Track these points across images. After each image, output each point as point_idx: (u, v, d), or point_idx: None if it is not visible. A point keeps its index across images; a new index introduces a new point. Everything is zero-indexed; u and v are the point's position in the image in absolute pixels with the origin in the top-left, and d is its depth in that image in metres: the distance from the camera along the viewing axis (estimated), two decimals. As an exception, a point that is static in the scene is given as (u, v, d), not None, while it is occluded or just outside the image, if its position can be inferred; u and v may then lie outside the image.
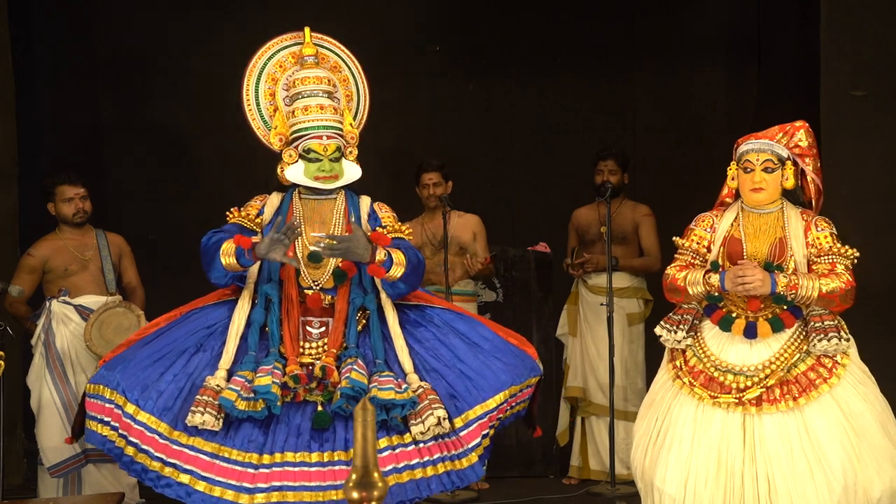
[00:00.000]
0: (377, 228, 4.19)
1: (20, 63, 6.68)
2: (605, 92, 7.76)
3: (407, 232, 4.26)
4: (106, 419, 3.94)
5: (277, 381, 3.89)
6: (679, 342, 4.16)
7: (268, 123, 4.31)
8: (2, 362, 3.93)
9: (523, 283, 6.61)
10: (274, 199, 4.25)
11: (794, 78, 7.13)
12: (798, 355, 4.03)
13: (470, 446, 3.95)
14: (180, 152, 7.69)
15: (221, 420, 3.84)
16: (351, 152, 4.23)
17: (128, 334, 5.13)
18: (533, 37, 7.80)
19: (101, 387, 3.97)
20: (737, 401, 3.98)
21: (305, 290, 4.12)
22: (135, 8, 7.61)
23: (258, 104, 4.34)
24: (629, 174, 6.36)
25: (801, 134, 4.16)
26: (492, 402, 4.02)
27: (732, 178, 4.21)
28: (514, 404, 4.11)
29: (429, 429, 3.87)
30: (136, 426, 3.88)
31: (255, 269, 4.17)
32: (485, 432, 4.00)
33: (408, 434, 3.92)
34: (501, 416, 4.06)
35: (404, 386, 3.94)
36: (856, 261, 4.08)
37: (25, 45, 7.06)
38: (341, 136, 4.20)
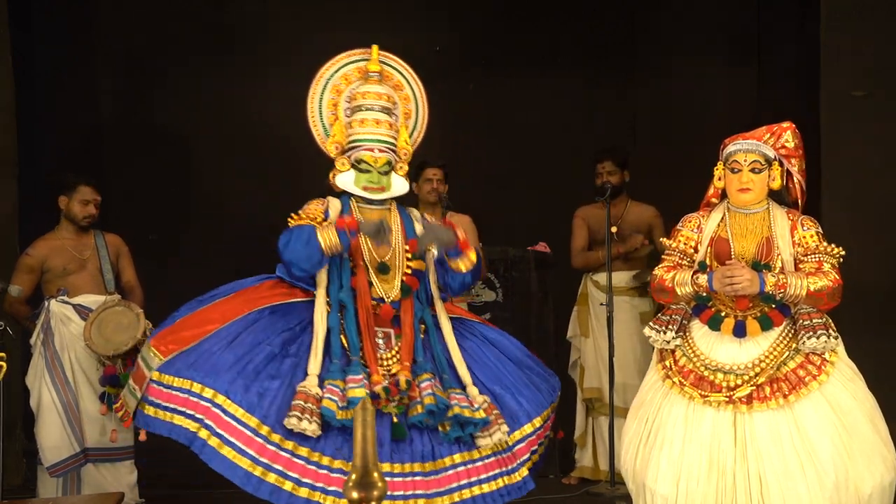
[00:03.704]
0: None
1: (20, 63, 6.67)
2: (605, 92, 7.76)
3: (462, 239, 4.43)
4: (199, 416, 3.95)
5: (368, 391, 4.01)
6: (668, 342, 4.19)
7: (327, 131, 4.48)
8: (4, 364, 3.92)
9: (523, 283, 6.60)
10: (336, 203, 4.38)
11: (794, 78, 7.13)
12: (787, 353, 4.06)
13: (521, 461, 4.19)
14: (180, 152, 7.69)
15: (315, 425, 3.91)
16: (401, 167, 4.39)
17: (127, 332, 5.14)
18: (533, 36, 7.81)
19: (187, 381, 3.98)
20: (727, 399, 4.00)
21: (373, 300, 4.27)
22: (135, 8, 7.61)
23: (321, 112, 4.51)
24: (629, 171, 6.36)
25: (787, 135, 4.21)
26: (538, 420, 4.27)
27: (719, 179, 4.25)
28: (554, 418, 4.38)
29: (496, 444, 4.10)
30: (237, 426, 3.91)
31: (324, 275, 4.25)
32: (534, 448, 4.25)
33: (476, 451, 4.11)
34: (548, 432, 4.33)
35: (476, 405, 4.11)
36: (842, 259, 4.12)
37: (25, 45, 7.05)
38: (393, 150, 4.37)
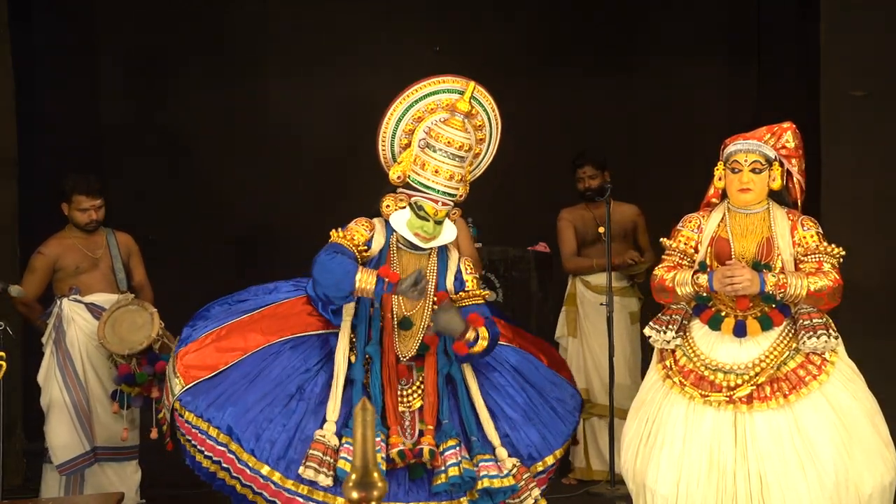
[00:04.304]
0: (459, 293, 4.32)
1: (20, 63, 6.67)
2: (605, 92, 7.76)
3: (487, 296, 4.42)
4: (216, 459, 4.10)
5: (384, 455, 4.04)
6: (668, 342, 4.19)
7: (395, 156, 4.34)
8: (3, 363, 3.92)
9: (523, 283, 6.61)
10: (380, 238, 4.30)
11: (794, 78, 7.13)
12: (787, 353, 4.06)
13: (536, 492, 4.24)
14: (180, 152, 7.69)
15: (331, 478, 3.99)
16: (454, 213, 4.32)
17: (142, 332, 5.18)
18: (532, 36, 7.81)
19: (204, 422, 4.08)
20: (728, 399, 4.01)
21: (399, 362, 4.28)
22: (135, 7, 7.61)
23: (395, 133, 4.34)
24: (609, 171, 6.37)
25: (788, 135, 4.21)
26: (559, 452, 4.35)
27: (720, 179, 4.25)
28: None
29: None
30: (250, 472, 4.04)
31: (351, 308, 4.23)
32: (545, 486, 4.33)
33: None
34: (546, 484, 4.38)
35: (505, 470, 4.13)
36: (842, 260, 4.12)
37: (25, 45, 7.05)
38: (454, 201, 4.28)
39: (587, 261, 6.33)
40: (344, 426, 4.08)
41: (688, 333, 4.20)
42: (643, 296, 6.36)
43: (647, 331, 4.26)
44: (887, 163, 6.09)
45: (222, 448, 4.07)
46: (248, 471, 4.03)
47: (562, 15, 7.76)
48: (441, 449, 4.11)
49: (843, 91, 6.11)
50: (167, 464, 5.67)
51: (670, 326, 4.19)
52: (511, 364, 4.40)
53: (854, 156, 6.10)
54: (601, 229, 6.15)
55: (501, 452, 4.17)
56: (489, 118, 4.42)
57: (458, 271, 4.36)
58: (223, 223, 7.65)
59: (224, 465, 4.08)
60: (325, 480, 3.96)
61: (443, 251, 4.38)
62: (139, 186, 7.53)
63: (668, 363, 4.18)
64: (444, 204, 4.21)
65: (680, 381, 4.10)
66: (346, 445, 4.02)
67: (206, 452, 4.10)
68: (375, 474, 2.13)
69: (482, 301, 4.35)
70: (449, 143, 4.20)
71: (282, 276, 4.53)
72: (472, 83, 4.33)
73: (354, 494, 2.11)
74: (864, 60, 6.11)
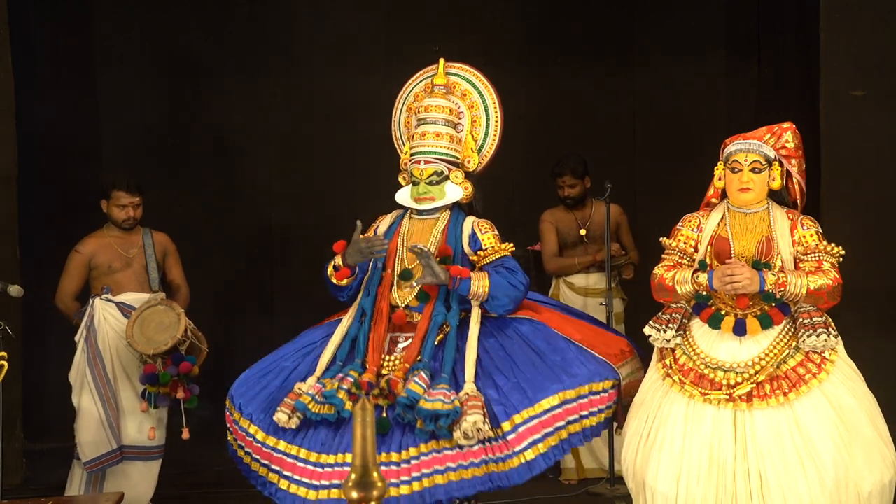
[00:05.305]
0: (478, 252, 4.42)
1: (20, 63, 6.67)
2: (606, 91, 7.76)
3: (510, 249, 4.45)
4: (234, 436, 4.39)
5: (345, 387, 4.16)
6: (668, 341, 4.20)
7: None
8: (5, 363, 3.92)
9: (523, 282, 6.60)
10: (388, 219, 4.60)
11: (794, 78, 7.13)
12: (787, 351, 4.07)
13: (517, 449, 4.07)
14: (180, 152, 7.69)
15: (295, 419, 4.16)
16: (456, 176, 4.47)
17: (168, 332, 5.23)
18: (533, 36, 7.81)
19: (229, 403, 4.43)
20: (727, 397, 4.01)
21: (395, 307, 4.39)
22: (135, 7, 7.61)
23: (399, 132, 4.76)
24: (590, 176, 6.41)
25: (788, 135, 4.23)
26: (538, 408, 4.12)
27: (720, 178, 4.27)
28: (583, 411, 4.17)
29: (465, 433, 4.00)
30: (248, 437, 4.28)
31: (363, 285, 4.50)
32: (536, 437, 4.09)
33: (449, 440, 4.07)
34: (562, 422, 4.13)
35: (452, 397, 4.07)
36: (841, 259, 4.14)
37: (25, 45, 7.05)
38: (445, 160, 4.46)
39: (570, 260, 6.38)
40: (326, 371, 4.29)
41: (688, 332, 4.22)
42: (626, 297, 6.42)
43: (646, 329, 4.27)
44: (887, 163, 6.08)
45: (235, 424, 4.34)
46: (246, 436, 4.27)
47: (562, 15, 7.76)
48: (406, 377, 4.17)
49: (843, 91, 6.11)
50: (173, 464, 5.70)
51: (670, 325, 4.21)
52: (519, 332, 4.37)
53: (854, 156, 6.10)
54: (582, 231, 6.34)
55: (469, 387, 4.12)
56: (474, 86, 4.66)
57: (473, 233, 4.47)
58: (222, 222, 7.65)
59: (239, 441, 4.32)
60: (286, 420, 4.15)
61: (457, 216, 4.50)
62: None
63: (667, 362, 4.19)
64: (427, 162, 4.44)
65: (680, 379, 4.12)
66: (316, 384, 4.19)
67: (234, 436, 4.38)
68: (375, 474, 2.13)
69: (505, 255, 4.43)
70: (427, 109, 4.52)
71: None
72: (442, 60, 4.65)
73: (354, 494, 2.11)
74: (864, 60, 6.11)
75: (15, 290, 5.28)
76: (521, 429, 4.08)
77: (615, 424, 4.39)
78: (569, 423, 4.14)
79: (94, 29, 7.64)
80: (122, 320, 5.39)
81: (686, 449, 4.03)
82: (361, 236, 4.32)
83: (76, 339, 5.45)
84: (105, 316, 5.41)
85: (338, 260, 4.40)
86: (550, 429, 4.11)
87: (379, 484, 2.12)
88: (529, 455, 4.07)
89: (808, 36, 6.57)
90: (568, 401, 4.14)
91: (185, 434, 5.20)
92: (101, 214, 5.70)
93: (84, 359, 5.37)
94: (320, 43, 7.69)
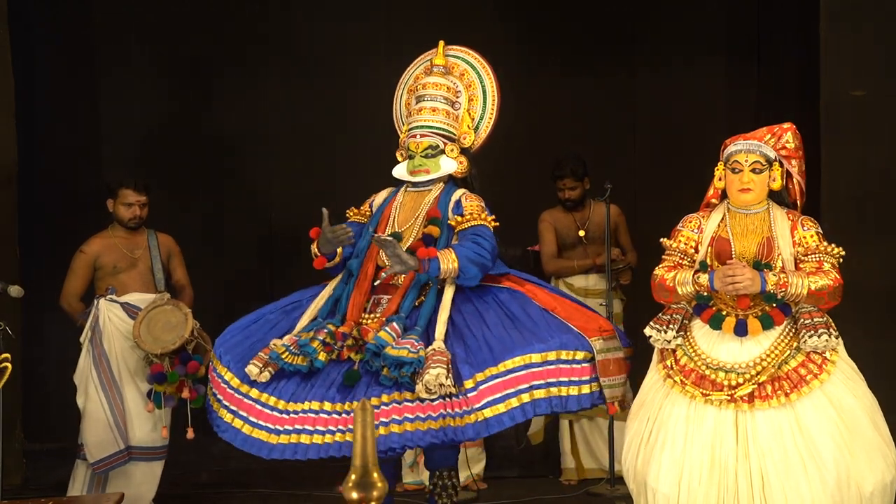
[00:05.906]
0: (456, 217, 4.48)
1: (20, 63, 6.67)
2: (606, 91, 7.75)
3: (489, 219, 4.47)
4: (210, 384, 4.49)
5: (320, 337, 4.22)
6: (669, 342, 4.20)
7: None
8: (9, 365, 3.91)
9: (523, 283, 6.60)
10: (383, 193, 4.70)
11: (794, 78, 7.13)
12: (788, 352, 4.07)
13: (475, 406, 4.07)
14: (180, 152, 7.68)
15: (267, 373, 4.23)
16: (452, 150, 4.58)
17: (175, 331, 5.26)
18: (532, 36, 7.80)
19: (212, 353, 4.54)
20: (729, 398, 4.01)
21: (381, 268, 4.46)
22: (135, 8, 7.61)
23: (401, 115, 4.85)
24: (590, 177, 6.40)
25: (788, 136, 4.23)
26: (501, 367, 4.12)
27: (720, 179, 4.27)
28: (550, 378, 4.15)
29: (426, 385, 4.01)
30: (222, 384, 4.37)
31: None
32: (496, 396, 4.08)
33: (410, 392, 4.09)
34: (525, 385, 4.11)
35: (419, 347, 4.10)
36: (841, 259, 4.14)
37: (25, 45, 7.05)
38: (441, 134, 4.57)
39: (568, 262, 6.38)
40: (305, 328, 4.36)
41: (688, 333, 4.22)
42: (625, 297, 6.42)
43: (647, 330, 4.26)
44: (887, 163, 6.08)
45: (213, 371, 4.43)
46: (220, 382, 4.36)
47: (562, 15, 7.76)
48: (379, 327, 4.21)
49: (844, 91, 6.11)
50: (176, 464, 5.70)
51: (671, 326, 4.20)
52: (498, 299, 4.39)
53: (854, 156, 6.10)
54: (581, 232, 6.33)
55: (438, 344, 4.14)
56: (473, 67, 4.75)
57: (458, 200, 4.53)
58: (222, 222, 7.64)
59: (214, 389, 4.41)
60: (256, 373, 4.23)
61: (450, 188, 4.59)
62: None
63: (668, 363, 4.19)
64: (423, 136, 4.55)
65: (681, 380, 4.11)
66: (292, 336, 4.28)
67: (210, 385, 4.48)
68: (375, 474, 2.13)
69: (482, 223, 4.42)
70: (425, 86, 4.65)
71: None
72: (441, 42, 4.74)
73: (354, 495, 2.11)
74: (864, 60, 6.11)
75: (15, 290, 5.29)
76: (482, 387, 4.09)
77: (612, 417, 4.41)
78: (533, 387, 4.13)
79: (94, 29, 7.63)
80: (127, 321, 5.40)
81: (687, 450, 4.02)
82: (329, 227, 4.36)
83: (81, 340, 5.45)
84: (110, 317, 5.42)
85: (314, 248, 4.49)
86: (512, 390, 4.10)
87: (379, 484, 2.11)
88: (487, 413, 4.07)
89: (808, 36, 6.56)
90: (533, 364, 4.14)
91: (190, 434, 5.21)
92: (102, 214, 5.70)
93: (89, 359, 5.37)
94: (320, 43, 7.69)
